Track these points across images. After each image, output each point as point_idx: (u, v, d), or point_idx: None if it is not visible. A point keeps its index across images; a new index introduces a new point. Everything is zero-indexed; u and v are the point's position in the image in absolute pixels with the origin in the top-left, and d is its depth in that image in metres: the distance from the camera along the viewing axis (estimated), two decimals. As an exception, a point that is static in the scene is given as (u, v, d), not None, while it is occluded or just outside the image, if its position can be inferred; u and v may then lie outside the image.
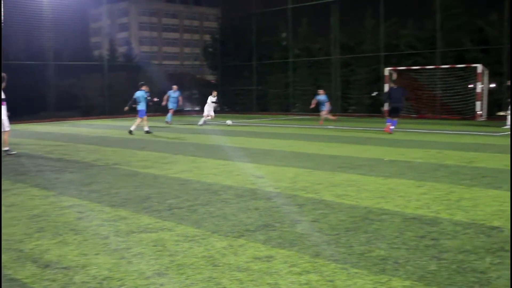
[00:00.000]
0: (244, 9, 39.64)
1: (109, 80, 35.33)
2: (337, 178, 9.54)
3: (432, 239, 5.57)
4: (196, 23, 61.70)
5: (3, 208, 7.24)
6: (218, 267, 4.79)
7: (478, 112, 26.73)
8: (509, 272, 4.59)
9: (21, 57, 31.03)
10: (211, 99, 25.58)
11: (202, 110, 28.13)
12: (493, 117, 26.98)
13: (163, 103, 26.53)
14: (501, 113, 22.46)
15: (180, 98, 27.19)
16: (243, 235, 5.82)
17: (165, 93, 27.25)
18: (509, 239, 5.58)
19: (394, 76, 22.46)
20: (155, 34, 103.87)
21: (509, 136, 17.89)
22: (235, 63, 39.86)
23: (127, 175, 10.20)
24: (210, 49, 43.35)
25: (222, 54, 41.15)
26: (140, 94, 20.92)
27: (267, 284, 4.39)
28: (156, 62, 47.57)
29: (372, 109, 32.36)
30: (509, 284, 4.33)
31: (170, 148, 15.17)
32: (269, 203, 7.46)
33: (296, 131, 21.53)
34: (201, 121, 25.53)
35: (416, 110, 29.41)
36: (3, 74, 12.82)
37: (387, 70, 29.54)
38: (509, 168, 10.50)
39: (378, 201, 7.51)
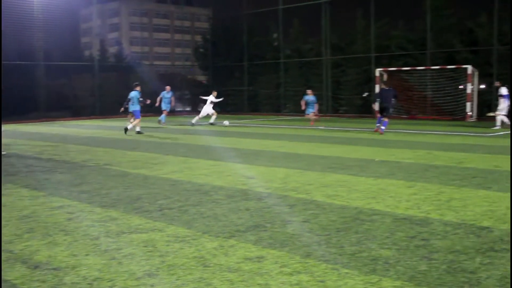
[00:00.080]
0: (235, 10, 39.62)
1: (100, 80, 35.19)
2: (328, 178, 9.56)
3: (423, 239, 5.60)
4: (187, 23, 61.60)
5: (-8, 208, 7.20)
6: (208, 268, 4.78)
7: (468, 113, 26.85)
8: (498, 272, 4.61)
9: (11, 57, 30.85)
10: (211, 98, 25.52)
11: (195, 111, 28.09)
12: (483, 118, 27.11)
13: (157, 104, 26.43)
14: (491, 114, 22.58)
15: (172, 99, 27.09)
16: (234, 236, 5.81)
17: (156, 93, 27.15)
18: (498, 239, 5.61)
19: (385, 77, 22.55)
20: (146, 34, 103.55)
21: (498, 137, 17.99)
22: (226, 63, 39.82)
23: (117, 175, 10.17)
24: (201, 50, 43.29)
25: (213, 54, 41.10)
26: (134, 94, 20.88)
27: (258, 284, 4.39)
28: (147, 62, 47.41)
29: (363, 110, 32.41)
30: (498, 284, 4.35)
31: (161, 148, 15.14)
32: (260, 203, 7.46)
33: (287, 131, 21.54)
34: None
35: (406, 110, 29.50)
36: None
37: (378, 71, 29.64)
38: (499, 168, 10.56)
39: (368, 201, 7.53)
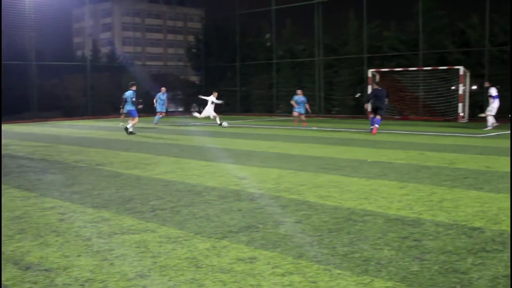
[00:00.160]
0: (228, 10, 39.63)
1: (92, 80, 35.10)
2: (320, 179, 9.57)
3: (415, 240, 5.61)
4: (179, 23, 61.55)
5: (-17, 209, 7.16)
6: (201, 269, 4.78)
7: (460, 114, 26.96)
8: (490, 272, 4.63)
9: (3, 56, 30.72)
10: (212, 99, 25.45)
11: (187, 111, 28.02)
12: (475, 118, 27.23)
13: (155, 105, 26.42)
14: (483, 115, 22.73)
15: (165, 100, 27.07)
16: (226, 237, 5.81)
17: (148, 94, 27.11)
18: (489, 240, 5.63)
19: (377, 77, 22.62)
20: (138, 34, 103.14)
21: (490, 137, 18.07)
22: (218, 64, 39.81)
23: (110, 176, 10.14)
24: (194, 50, 43.26)
25: (206, 55, 41.08)
26: (128, 94, 20.85)
27: (250, 285, 4.39)
28: (139, 62, 47.26)
29: (355, 111, 32.50)
30: (490, 284, 4.37)
31: (154, 149, 15.11)
32: (253, 204, 7.46)
33: (280, 132, 21.55)
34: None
35: (399, 111, 29.59)
36: None
37: (370, 72, 29.71)
38: (490, 169, 10.60)
39: (361, 202, 7.54)
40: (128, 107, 20.85)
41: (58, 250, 5.37)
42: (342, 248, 5.35)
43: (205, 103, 26.52)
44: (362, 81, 31.48)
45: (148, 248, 5.39)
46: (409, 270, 4.70)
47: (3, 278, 4.58)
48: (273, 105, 37.10)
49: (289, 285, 4.39)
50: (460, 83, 26.86)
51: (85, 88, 34.91)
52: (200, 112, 25.24)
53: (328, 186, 8.85)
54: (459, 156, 12.74)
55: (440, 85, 28.31)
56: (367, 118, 24.85)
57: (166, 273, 4.67)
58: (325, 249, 5.31)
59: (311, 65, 34.61)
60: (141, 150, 14.78)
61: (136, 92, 21.35)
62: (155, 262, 4.95)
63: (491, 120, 22.04)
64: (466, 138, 17.81)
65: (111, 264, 4.92)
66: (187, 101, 42.24)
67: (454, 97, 27.67)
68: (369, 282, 4.43)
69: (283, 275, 4.61)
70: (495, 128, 21.62)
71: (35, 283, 4.48)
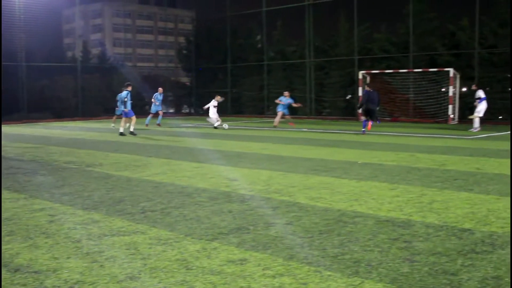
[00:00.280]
0: (219, 12, 39.57)
1: (82, 81, 34.96)
2: (311, 180, 9.58)
3: (405, 242, 5.63)
4: (170, 25, 61.54)
5: (-28, 211, 7.12)
6: (191, 271, 4.77)
7: (450, 116, 27.07)
8: (479, 273, 4.65)
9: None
10: (214, 103, 25.29)
11: (178, 112, 27.94)
12: (465, 120, 27.33)
13: (156, 103, 26.41)
14: (471, 117, 22.84)
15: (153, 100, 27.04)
16: (216, 238, 5.80)
17: (139, 95, 27.04)
18: (479, 241, 5.66)
19: (368, 79, 22.69)
20: (129, 35, 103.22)
21: (480, 139, 18.15)
22: (209, 65, 39.76)
23: (100, 177, 10.10)
24: (185, 51, 43.22)
25: (197, 56, 41.03)
26: (124, 94, 20.79)
27: (240, 287, 4.38)
28: (130, 64, 47.26)
29: (346, 112, 32.57)
30: (479, 285, 4.38)
31: (144, 150, 15.07)
32: (243, 206, 7.45)
33: (270, 133, 21.56)
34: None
35: (389, 113, 29.68)
36: None
37: (361, 74, 29.79)
38: (480, 171, 10.66)
39: (351, 203, 7.56)
40: (123, 107, 20.77)
41: (47, 252, 5.34)
42: (332, 249, 5.36)
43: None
44: (353, 83, 31.54)
45: (138, 250, 5.37)
46: (399, 271, 4.72)
47: (-9, 281, 4.55)
48: (264, 106, 37.10)
49: (279, 286, 4.39)
50: (450, 85, 26.98)
51: (76, 89, 34.74)
52: (217, 120, 24.87)
53: (319, 187, 8.87)
54: (449, 158, 12.80)
55: (430, 87, 28.43)
56: (358, 120, 24.90)
57: (156, 275, 4.66)
58: (315, 251, 5.31)
59: (302, 67, 34.65)
60: (131, 151, 14.74)
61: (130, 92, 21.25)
62: (145, 264, 4.94)
63: (477, 122, 22.20)
64: (456, 140, 17.89)
65: (101, 266, 4.90)
66: (178, 102, 42.18)
67: (444, 99, 27.79)
68: (359, 283, 4.44)
69: (273, 276, 4.61)
70: (478, 131, 21.70)
71: (24, 285, 4.45)
